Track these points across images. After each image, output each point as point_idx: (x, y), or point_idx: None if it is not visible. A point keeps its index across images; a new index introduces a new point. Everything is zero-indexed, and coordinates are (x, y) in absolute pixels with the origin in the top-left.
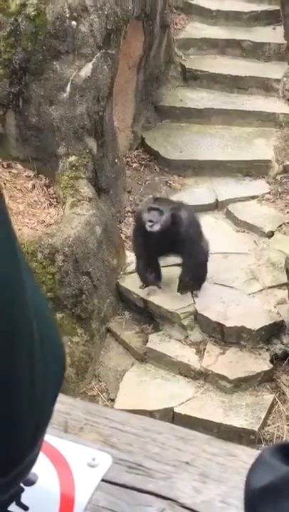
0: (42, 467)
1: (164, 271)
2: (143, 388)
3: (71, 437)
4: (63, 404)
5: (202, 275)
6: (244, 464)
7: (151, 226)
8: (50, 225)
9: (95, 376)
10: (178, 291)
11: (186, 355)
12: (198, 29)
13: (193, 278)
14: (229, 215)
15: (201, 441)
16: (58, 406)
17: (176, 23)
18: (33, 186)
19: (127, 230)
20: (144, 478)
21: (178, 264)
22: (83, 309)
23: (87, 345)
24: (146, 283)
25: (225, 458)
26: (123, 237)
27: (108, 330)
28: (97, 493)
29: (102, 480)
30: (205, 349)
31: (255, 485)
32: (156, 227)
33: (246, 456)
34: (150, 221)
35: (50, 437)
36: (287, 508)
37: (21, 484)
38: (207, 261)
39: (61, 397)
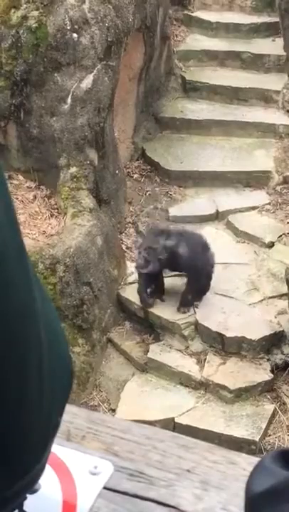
0: (44, 475)
1: (165, 280)
2: (144, 398)
3: (73, 445)
4: (66, 413)
5: (205, 288)
6: (244, 471)
7: (142, 268)
8: (52, 235)
9: (96, 386)
10: (178, 310)
11: (187, 365)
12: (198, 41)
13: (196, 295)
14: (229, 226)
15: (202, 449)
16: None
17: (177, 35)
18: (34, 197)
19: (128, 240)
20: (146, 485)
21: (180, 275)
22: (84, 320)
23: (88, 356)
24: (143, 304)
25: (226, 465)
26: (124, 248)
27: (109, 340)
28: (99, 501)
29: (104, 488)
30: (206, 359)
31: (256, 490)
32: (146, 270)
33: (246, 463)
34: (140, 265)
35: (52, 445)
36: None
37: None
38: (212, 273)
39: None
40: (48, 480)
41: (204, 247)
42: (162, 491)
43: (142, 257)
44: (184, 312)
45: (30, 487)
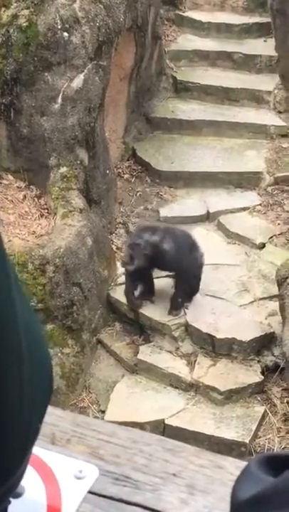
0: (29, 479)
1: (156, 281)
2: (134, 400)
3: (58, 449)
4: (51, 416)
5: (194, 289)
6: (231, 475)
7: (127, 265)
8: (41, 235)
9: (86, 387)
10: (169, 313)
11: (177, 366)
12: (189, 41)
13: (185, 297)
14: (220, 227)
15: (188, 453)
16: (45, 417)
17: (168, 35)
18: (24, 197)
19: (118, 241)
20: (132, 490)
21: (169, 276)
22: (74, 320)
23: (77, 357)
24: (130, 305)
25: (212, 470)
26: (114, 248)
27: (99, 341)
28: (84, 505)
29: (89, 492)
30: (196, 361)
31: (242, 496)
32: (131, 268)
33: (233, 467)
34: (124, 262)
35: (37, 449)
36: None
37: None
38: (201, 274)
39: (49, 409)
40: (33, 484)
41: (192, 246)
42: (148, 495)
43: (128, 254)
44: (176, 315)
45: (12, 492)
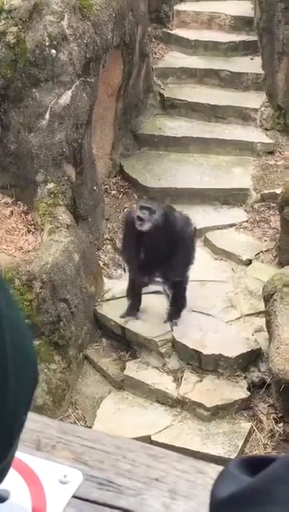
0: (14, 484)
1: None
2: (120, 416)
3: (43, 455)
4: (36, 423)
5: (184, 300)
6: (212, 480)
7: (140, 225)
8: (28, 251)
9: (72, 404)
10: (168, 319)
11: (164, 382)
12: (177, 58)
13: (184, 302)
14: (207, 243)
15: (170, 459)
16: (30, 424)
17: (155, 53)
18: (11, 213)
19: (105, 257)
20: (115, 494)
21: (157, 292)
22: (61, 336)
23: (64, 373)
24: (128, 313)
25: (194, 475)
26: (101, 264)
27: (85, 357)
28: (68, 510)
29: (73, 496)
30: (182, 377)
31: (220, 494)
32: (146, 226)
33: (215, 473)
34: (140, 219)
35: (22, 454)
36: None
37: None
38: (186, 287)
39: (35, 416)
40: (18, 488)
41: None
42: (131, 499)
43: (140, 214)
44: (176, 324)
45: None
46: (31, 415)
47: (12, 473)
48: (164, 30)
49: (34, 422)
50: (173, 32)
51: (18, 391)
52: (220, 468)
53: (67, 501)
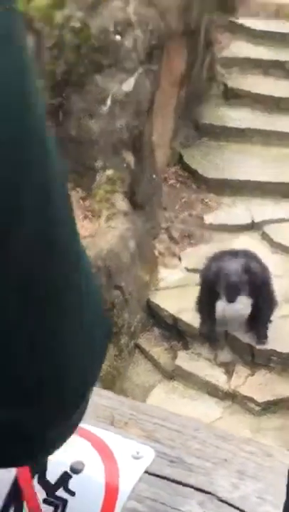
0: (89, 457)
1: None
2: (170, 406)
3: (116, 430)
4: (110, 399)
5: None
6: (280, 463)
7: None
8: (85, 237)
9: (122, 391)
10: (258, 343)
11: (215, 375)
12: (242, 48)
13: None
14: (265, 237)
15: (238, 441)
16: (104, 401)
17: (220, 42)
18: None
19: (161, 246)
20: (186, 472)
21: None
22: (113, 323)
23: (115, 360)
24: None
25: (262, 458)
26: (156, 254)
27: (137, 345)
28: (140, 484)
29: (146, 472)
30: (234, 370)
31: None
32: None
33: (282, 456)
34: (230, 300)
35: (97, 429)
36: None
37: (69, 472)
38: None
39: (109, 394)
40: (92, 461)
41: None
42: (201, 478)
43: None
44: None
45: (61, 442)
46: (105, 392)
47: (87, 447)
48: (230, 19)
49: (108, 399)
50: (239, 21)
51: (91, 342)
52: (286, 452)
53: (139, 476)
